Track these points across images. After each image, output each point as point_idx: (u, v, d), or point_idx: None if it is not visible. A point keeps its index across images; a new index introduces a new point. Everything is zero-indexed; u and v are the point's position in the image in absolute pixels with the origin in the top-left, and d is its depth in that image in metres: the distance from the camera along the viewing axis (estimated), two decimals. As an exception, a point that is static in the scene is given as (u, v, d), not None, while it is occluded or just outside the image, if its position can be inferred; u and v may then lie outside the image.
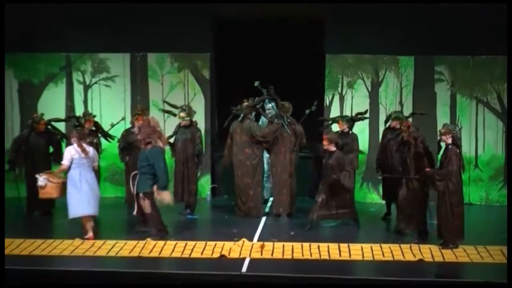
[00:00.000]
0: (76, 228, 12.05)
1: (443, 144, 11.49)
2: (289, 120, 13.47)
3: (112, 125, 13.73)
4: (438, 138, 11.59)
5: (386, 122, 13.57)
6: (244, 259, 11.04)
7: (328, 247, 11.58)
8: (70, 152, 11.89)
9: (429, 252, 11.32)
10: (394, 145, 12.73)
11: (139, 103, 14.92)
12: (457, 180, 11.38)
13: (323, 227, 12.76)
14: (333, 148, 12.54)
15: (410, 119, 13.35)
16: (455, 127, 11.85)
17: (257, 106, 13.76)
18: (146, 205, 11.80)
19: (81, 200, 11.82)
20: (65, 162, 11.87)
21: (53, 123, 13.75)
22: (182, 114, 13.61)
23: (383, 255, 11.27)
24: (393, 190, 12.79)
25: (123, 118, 14.38)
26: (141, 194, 11.76)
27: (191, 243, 11.73)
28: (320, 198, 12.52)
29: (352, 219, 12.82)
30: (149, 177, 11.70)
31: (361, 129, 14.01)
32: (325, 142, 12.56)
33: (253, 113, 13.81)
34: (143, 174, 11.72)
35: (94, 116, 13.85)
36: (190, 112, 13.70)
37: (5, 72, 15.17)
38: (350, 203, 12.72)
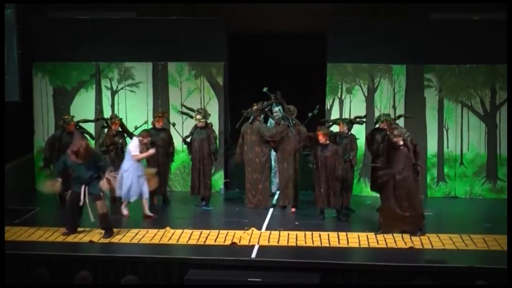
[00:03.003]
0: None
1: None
2: (294, 122, 13.41)
3: (136, 128, 13.69)
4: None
5: (375, 123, 13.55)
6: (253, 246, 11.03)
7: (328, 235, 11.55)
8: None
9: (419, 240, 11.28)
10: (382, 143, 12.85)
11: (160, 107, 14.89)
12: (403, 176, 11.44)
13: (325, 217, 12.69)
14: (327, 142, 12.51)
15: (397, 121, 13.30)
16: (406, 131, 11.94)
17: (266, 109, 13.72)
18: (99, 205, 11.45)
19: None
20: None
21: (82, 124, 13.73)
22: (198, 117, 13.58)
23: (378, 243, 11.24)
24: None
25: (146, 122, 14.35)
26: (94, 197, 11.45)
27: (205, 232, 11.73)
28: (322, 188, 12.50)
29: (335, 210, 12.71)
30: (97, 181, 11.51)
31: (358, 131, 13.93)
32: (320, 137, 12.53)
33: (262, 116, 13.76)
34: (93, 180, 11.49)
35: (121, 119, 13.80)
36: (205, 115, 13.67)
37: (42, 79, 15.17)
38: (340, 193, 12.57)
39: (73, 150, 11.51)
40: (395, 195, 11.52)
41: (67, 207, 11.77)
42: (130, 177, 12.48)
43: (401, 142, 11.56)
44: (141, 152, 12.63)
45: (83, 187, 11.41)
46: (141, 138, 12.73)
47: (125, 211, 12.73)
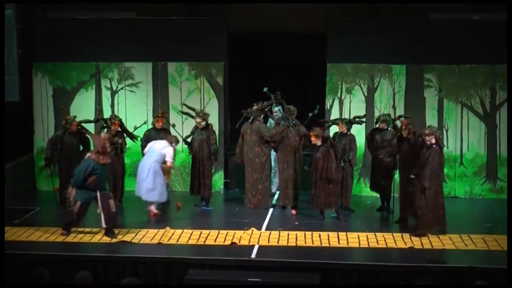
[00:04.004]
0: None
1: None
2: (294, 122, 13.40)
3: (135, 128, 13.67)
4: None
5: (376, 123, 13.55)
6: (253, 246, 11.02)
7: (328, 235, 11.54)
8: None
9: (419, 240, 11.28)
10: (382, 143, 12.96)
11: (160, 107, 14.89)
12: (439, 176, 11.40)
13: (324, 217, 12.69)
14: (319, 143, 12.50)
15: (398, 121, 13.31)
16: (438, 129, 11.84)
17: (266, 109, 13.71)
18: (112, 203, 11.46)
19: None
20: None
21: (83, 124, 13.72)
22: (198, 120, 13.59)
23: (377, 243, 11.23)
24: (380, 181, 13.02)
25: (145, 122, 14.33)
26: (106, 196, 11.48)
27: (205, 232, 11.72)
28: (313, 189, 12.51)
29: (335, 210, 12.67)
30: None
31: (357, 131, 13.93)
32: (312, 138, 12.54)
33: (262, 116, 13.76)
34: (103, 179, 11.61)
35: (120, 119, 13.78)
36: (205, 117, 13.67)
37: (42, 80, 15.15)
38: (334, 194, 12.53)
39: (98, 151, 11.47)
40: (428, 195, 11.44)
41: (72, 217, 11.50)
42: (158, 176, 12.62)
43: (433, 140, 11.49)
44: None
45: (98, 192, 11.39)
46: (175, 144, 13.02)
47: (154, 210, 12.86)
